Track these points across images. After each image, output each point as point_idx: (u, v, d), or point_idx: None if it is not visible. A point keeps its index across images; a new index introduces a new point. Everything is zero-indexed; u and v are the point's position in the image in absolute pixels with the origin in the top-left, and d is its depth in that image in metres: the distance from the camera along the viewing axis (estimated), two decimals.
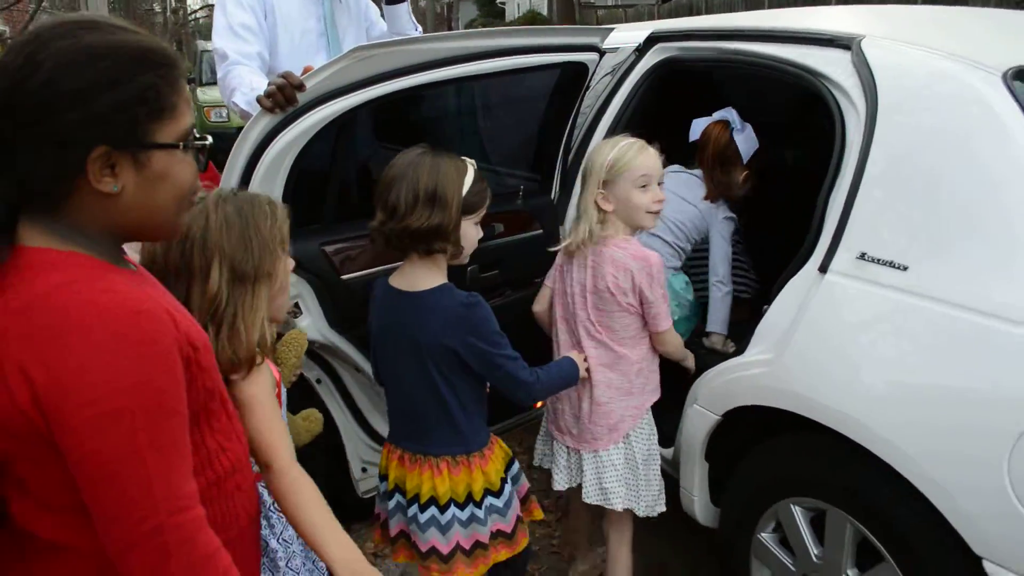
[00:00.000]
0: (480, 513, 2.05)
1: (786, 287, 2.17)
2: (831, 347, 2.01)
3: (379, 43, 2.28)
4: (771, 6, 17.29)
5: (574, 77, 2.79)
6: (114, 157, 1.06)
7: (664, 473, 2.56)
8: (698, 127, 3.02)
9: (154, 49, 1.10)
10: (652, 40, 3.02)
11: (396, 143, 3.23)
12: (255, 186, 2.17)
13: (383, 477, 2.19)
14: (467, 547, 2.05)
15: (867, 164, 2.07)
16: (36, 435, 1.03)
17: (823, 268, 2.06)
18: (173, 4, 33.21)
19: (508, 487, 2.13)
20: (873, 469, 1.88)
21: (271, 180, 2.19)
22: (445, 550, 2.04)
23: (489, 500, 2.08)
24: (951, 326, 1.79)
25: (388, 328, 2.07)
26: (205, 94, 12.06)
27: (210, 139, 1.22)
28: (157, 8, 34.72)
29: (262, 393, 1.57)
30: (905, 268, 1.90)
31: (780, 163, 4.07)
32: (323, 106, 2.19)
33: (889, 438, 1.84)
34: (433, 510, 2.04)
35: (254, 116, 2.17)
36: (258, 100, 2.13)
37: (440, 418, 2.04)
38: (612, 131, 3.03)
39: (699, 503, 2.46)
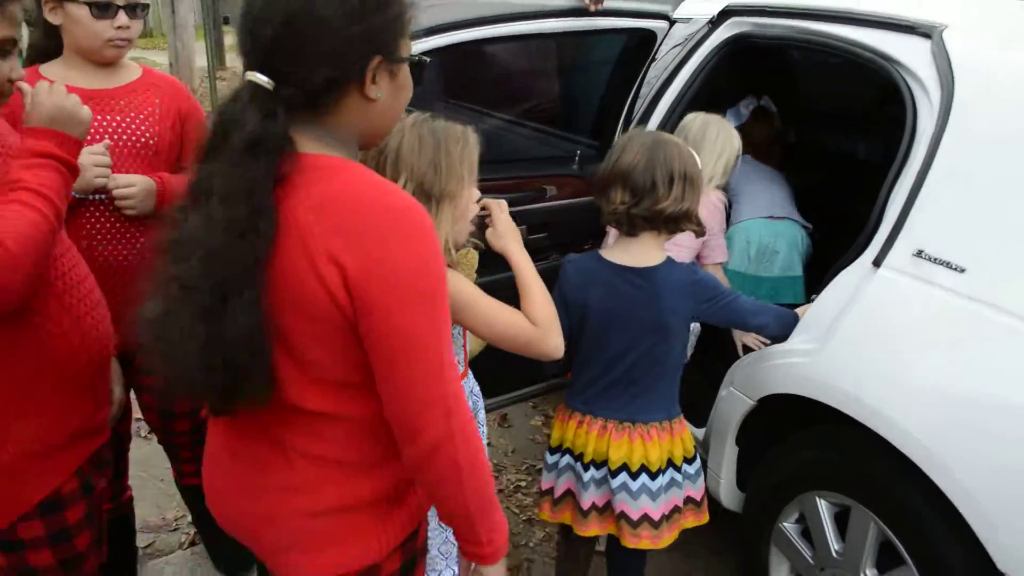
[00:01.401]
0: (679, 478, 2.13)
1: (837, 278, 2.12)
2: (876, 343, 1.96)
3: None
4: None
5: (641, 45, 2.74)
6: (382, 67, 1.19)
7: None
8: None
9: None
10: (726, 13, 2.94)
11: (458, 99, 3.23)
12: None
13: (564, 450, 2.18)
14: (668, 512, 2.12)
15: (935, 159, 2.00)
16: (339, 318, 1.15)
17: (877, 262, 2.01)
18: None
19: (698, 458, 2.19)
20: (904, 471, 1.85)
21: None
22: (657, 516, 2.09)
23: (686, 466, 2.15)
24: (1004, 335, 1.74)
25: (612, 302, 2.04)
26: None
27: (427, 58, 1.33)
28: None
29: (471, 290, 1.68)
30: (963, 270, 1.84)
31: (844, 150, 3.98)
32: None
33: (924, 442, 1.80)
34: (644, 478, 2.08)
35: None
36: None
37: (654, 386, 2.10)
38: (677, 104, 2.98)
39: (725, 486, 2.45)
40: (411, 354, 1.15)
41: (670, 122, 2.97)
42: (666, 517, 2.11)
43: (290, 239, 1.13)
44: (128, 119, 2.08)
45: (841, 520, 2.10)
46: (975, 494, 1.71)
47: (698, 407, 2.48)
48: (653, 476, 2.08)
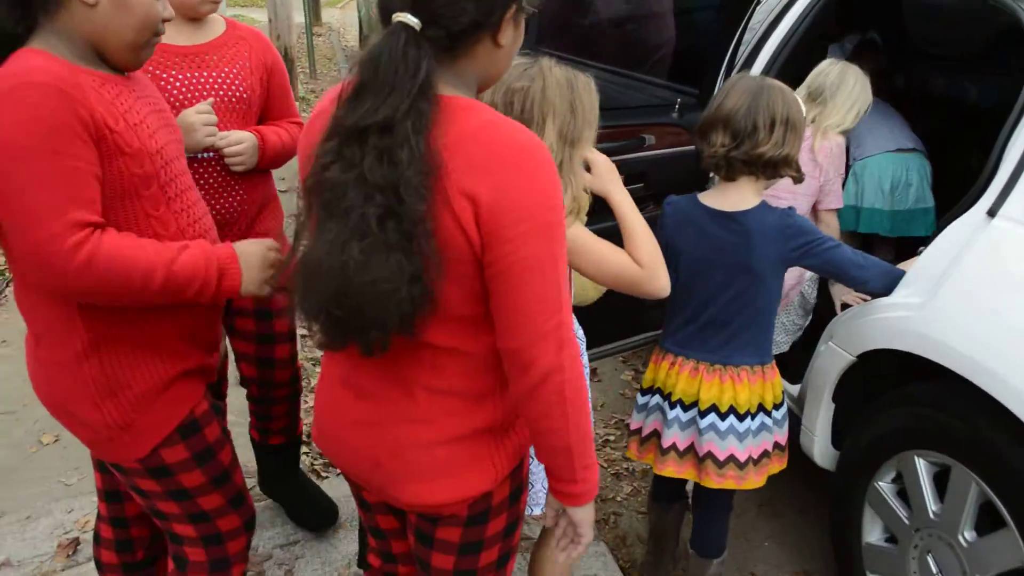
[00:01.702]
0: (769, 422, 2.14)
1: (948, 228, 2.02)
2: (989, 297, 1.87)
3: None
4: None
5: None
6: (514, 15, 1.25)
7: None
8: None
9: None
10: None
11: (556, 48, 3.19)
12: None
13: (654, 390, 2.21)
14: (756, 456, 2.13)
15: None
16: (468, 251, 1.20)
17: (992, 212, 1.91)
18: None
19: (786, 401, 2.21)
20: (1011, 431, 1.77)
21: None
22: (742, 457, 2.11)
23: (775, 412, 2.16)
24: None
25: (703, 245, 2.06)
26: None
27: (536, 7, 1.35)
28: None
29: (584, 234, 1.71)
30: None
31: (962, 98, 3.80)
32: None
33: None
34: (732, 419, 2.11)
35: None
36: None
37: (749, 329, 2.11)
38: (782, 48, 2.88)
39: (819, 444, 2.39)
40: (533, 284, 1.21)
41: (774, 67, 2.88)
42: (754, 460, 2.12)
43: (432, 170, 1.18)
44: (223, 75, 2.09)
45: (940, 481, 2.03)
46: None
47: (792, 366, 2.42)
48: (741, 418, 2.10)
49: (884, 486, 2.20)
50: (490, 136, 1.20)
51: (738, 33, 2.79)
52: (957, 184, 2.09)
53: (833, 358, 2.27)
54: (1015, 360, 1.77)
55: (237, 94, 2.11)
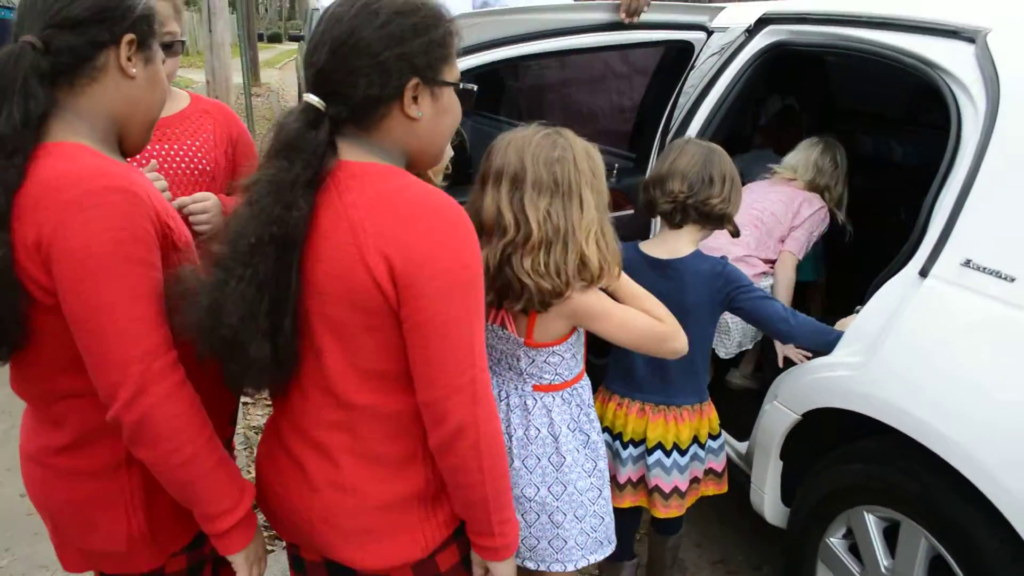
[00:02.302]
0: (701, 453, 2.32)
1: (882, 289, 2.08)
2: (924, 355, 1.92)
3: (482, 11, 2.27)
4: None
5: (679, 55, 2.72)
6: (420, 89, 1.31)
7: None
8: None
9: (443, 6, 1.36)
10: (763, 22, 2.92)
11: (494, 113, 3.23)
12: None
13: (603, 429, 2.23)
14: (689, 483, 2.32)
15: (981, 165, 1.96)
16: (384, 306, 1.27)
17: (924, 272, 1.97)
18: None
19: (723, 435, 2.39)
20: (955, 485, 1.80)
21: None
22: (684, 487, 2.30)
23: (710, 442, 2.34)
24: None
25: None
26: None
27: (475, 86, 1.44)
28: None
29: (604, 299, 1.85)
30: (1013, 279, 1.80)
31: (887, 157, 3.94)
32: None
33: (974, 454, 1.75)
34: (675, 455, 2.28)
35: None
36: None
37: (688, 372, 2.25)
38: (715, 113, 2.96)
39: (769, 501, 2.41)
40: (446, 340, 1.27)
41: (708, 131, 2.95)
42: (689, 487, 2.32)
43: (341, 234, 1.26)
44: (185, 147, 2.09)
45: (890, 535, 2.06)
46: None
47: (740, 423, 2.45)
48: (682, 453, 2.28)
49: (836, 542, 2.22)
50: (406, 197, 1.28)
51: (673, 98, 2.86)
52: (885, 241, 2.16)
53: (779, 417, 2.30)
54: (953, 417, 1.81)
55: (200, 167, 2.10)
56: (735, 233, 2.26)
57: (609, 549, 2.01)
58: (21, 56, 1.29)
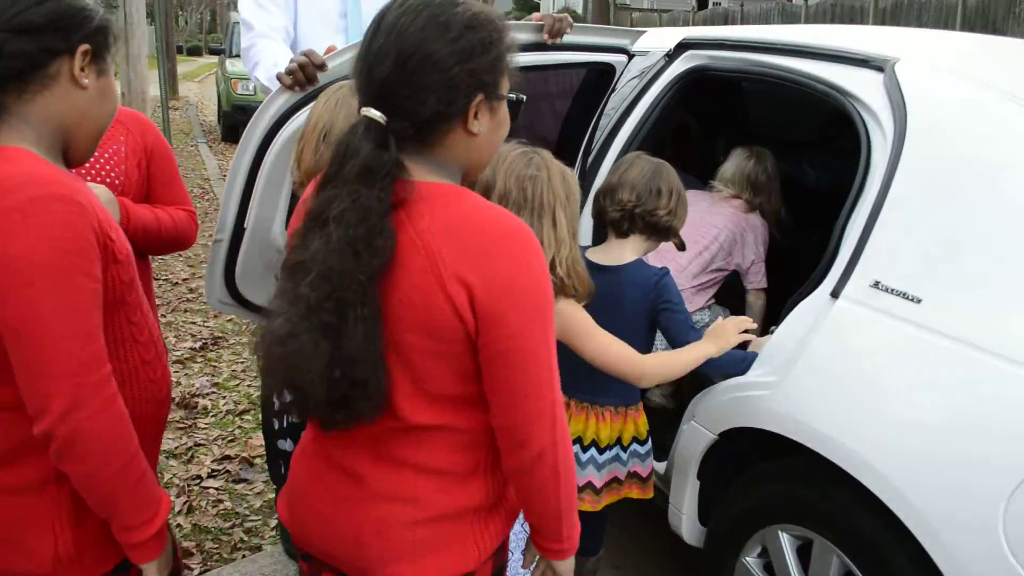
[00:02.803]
0: (623, 455, 2.35)
1: (796, 309, 2.12)
2: (835, 375, 1.96)
3: None
4: (807, 19, 17.17)
5: (600, 78, 2.74)
6: (482, 104, 1.28)
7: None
8: None
9: (504, 19, 1.34)
10: (683, 46, 2.97)
11: None
12: (268, 164, 2.13)
13: None
14: (606, 482, 2.34)
15: (890, 189, 2.02)
16: (462, 334, 1.24)
17: (835, 293, 2.01)
18: None
19: (650, 442, 2.40)
20: (865, 502, 1.84)
21: (285, 159, 2.15)
22: (599, 484, 2.32)
23: (634, 446, 2.36)
24: (959, 365, 1.74)
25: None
26: (233, 66, 12.07)
27: (524, 96, 1.45)
28: None
29: (585, 316, 2.01)
30: (919, 300, 1.85)
31: (802, 180, 4.03)
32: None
33: (884, 473, 1.79)
34: (593, 451, 2.31)
35: (273, 92, 2.13)
36: (278, 77, 2.10)
37: (610, 376, 2.19)
38: (635, 135, 2.99)
39: (687, 521, 2.42)
40: (529, 366, 1.27)
41: (629, 150, 2.98)
42: (607, 485, 2.34)
43: (418, 261, 1.23)
44: (93, 159, 1.98)
45: (804, 554, 2.08)
46: (933, 524, 1.70)
47: (659, 443, 2.46)
48: (601, 451, 2.32)
49: (751, 561, 2.24)
50: (481, 222, 1.25)
51: (594, 120, 2.88)
52: (801, 263, 2.21)
53: (696, 437, 2.32)
54: (862, 436, 1.85)
55: (108, 180, 2.00)
56: (680, 246, 2.34)
57: None
58: None
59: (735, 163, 3.31)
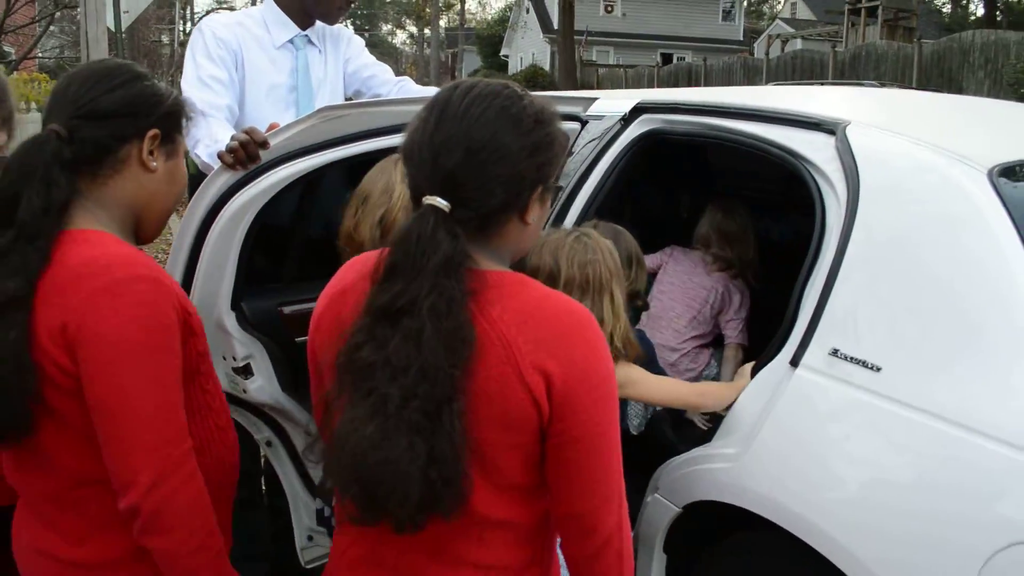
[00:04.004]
0: None
1: (756, 378, 2.07)
2: (796, 447, 1.91)
3: (348, 104, 2.23)
4: (769, 73, 17.52)
5: None
6: (540, 196, 1.32)
7: None
8: None
9: (558, 110, 1.37)
10: (638, 111, 2.97)
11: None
12: (211, 241, 2.08)
13: None
14: None
15: (845, 254, 1.99)
16: (536, 423, 1.24)
17: (794, 362, 1.97)
18: (181, 38, 33.32)
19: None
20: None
21: (229, 237, 2.10)
22: None
23: None
24: (920, 435, 1.70)
25: None
26: None
27: (562, 184, 1.49)
28: (165, 40, 34.83)
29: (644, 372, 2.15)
30: (878, 369, 1.81)
31: (766, 236, 4.04)
32: (287, 164, 2.11)
33: (848, 547, 1.73)
34: None
35: (215, 170, 2.09)
36: (219, 155, 2.06)
37: None
38: (593, 199, 2.97)
39: None
40: (602, 451, 1.27)
41: (588, 214, 2.96)
42: None
43: (494, 351, 1.22)
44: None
45: None
46: None
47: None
48: None
49: None
50: (552, 310, 1.27)
51: None
52: (767, 320, 2.21)
53: (659, 509, 2.25)
54: (825, 511, 1.80)
55: None
56: (644, 307, 2.46)
57: None
58: (45, 144, 1.33)
59: (707, 219, 3.40)
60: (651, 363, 2.33)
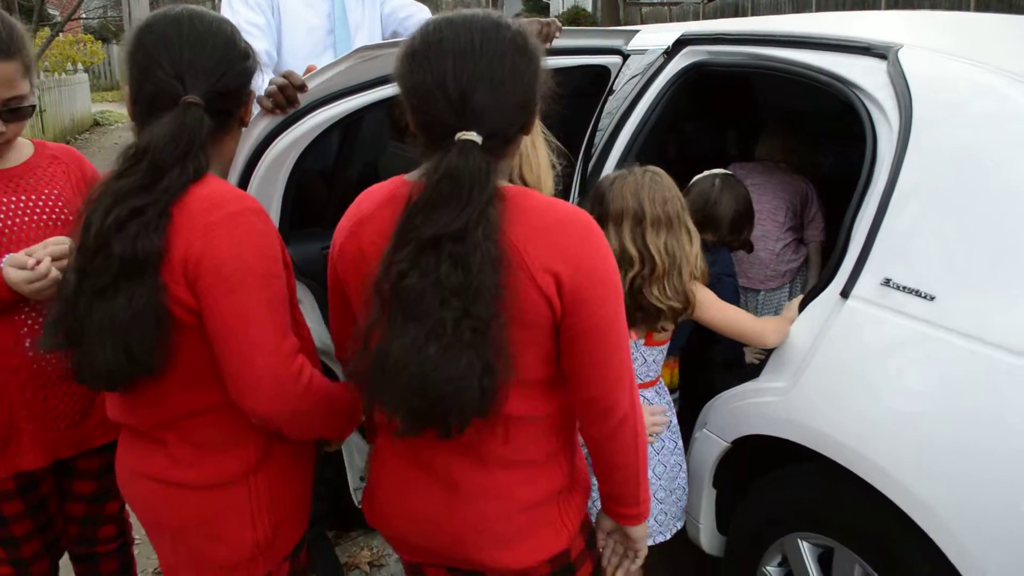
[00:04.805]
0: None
1: (805, 311, 2.04)
2: (848, 379, 1.88)
3: (386, 42, 2.19)
4: (818, 7, 16.96)
5: (595, 80, 2.67)
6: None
7: None
8: None
9: None
10: (681, 43, 2.90)
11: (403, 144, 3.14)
12: (254, 188, 2.08)
13: None
14: None
15: (897, 183, 1.93)
16: (550, 319, 1.34)
17: (845, 293, 1.93)
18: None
19: (678, 394, 2.51)
20: (884, 509, 1.76)
21: (271, 181, 2.10)
22: None
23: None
24: (977, 363, 1.66)
25: None
26: None
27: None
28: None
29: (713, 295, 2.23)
30: (932, 298, 1.77)
31: (817, 170, 3.94)
32: (327, 106, 2.09)
33: (898, 477, 1.72)
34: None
35: (254, 116, 2.08)
36: (258, 100, 2.05)
37: None
38: (638, 134, 2.93)
39: (705, 531, 2.35)
40: (611, 338, 1.37)
41: (631, 153, 2.92)
42: None
43: (510, 259, 1.30)
44: (43, 196, 1.94)
45: (825, 562, 2.01)
46: (954, 530, 1.63)
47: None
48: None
49: (771, 570, 2.17)
50: (555, 216, 1.35)
51: (592, 122, 2.82)
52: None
53: (708, 445, 2.25)
54: (876, 441, 1.78)
55: (61, 216, 1.95)
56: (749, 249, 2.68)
57: (679, 525, 2.24)
58: (198, 123, 1.46)
59: (767, 139, 3.49)
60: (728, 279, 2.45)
